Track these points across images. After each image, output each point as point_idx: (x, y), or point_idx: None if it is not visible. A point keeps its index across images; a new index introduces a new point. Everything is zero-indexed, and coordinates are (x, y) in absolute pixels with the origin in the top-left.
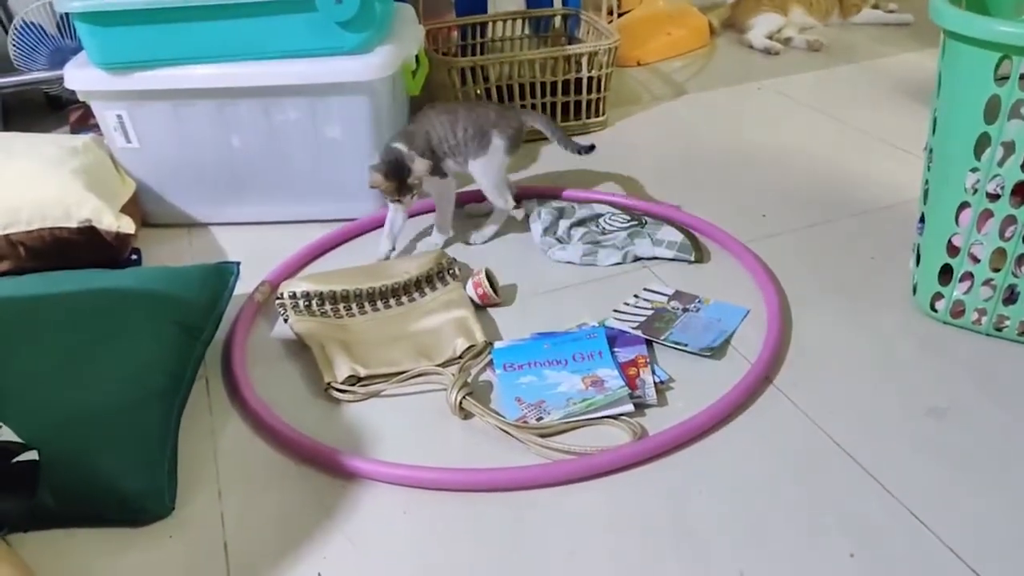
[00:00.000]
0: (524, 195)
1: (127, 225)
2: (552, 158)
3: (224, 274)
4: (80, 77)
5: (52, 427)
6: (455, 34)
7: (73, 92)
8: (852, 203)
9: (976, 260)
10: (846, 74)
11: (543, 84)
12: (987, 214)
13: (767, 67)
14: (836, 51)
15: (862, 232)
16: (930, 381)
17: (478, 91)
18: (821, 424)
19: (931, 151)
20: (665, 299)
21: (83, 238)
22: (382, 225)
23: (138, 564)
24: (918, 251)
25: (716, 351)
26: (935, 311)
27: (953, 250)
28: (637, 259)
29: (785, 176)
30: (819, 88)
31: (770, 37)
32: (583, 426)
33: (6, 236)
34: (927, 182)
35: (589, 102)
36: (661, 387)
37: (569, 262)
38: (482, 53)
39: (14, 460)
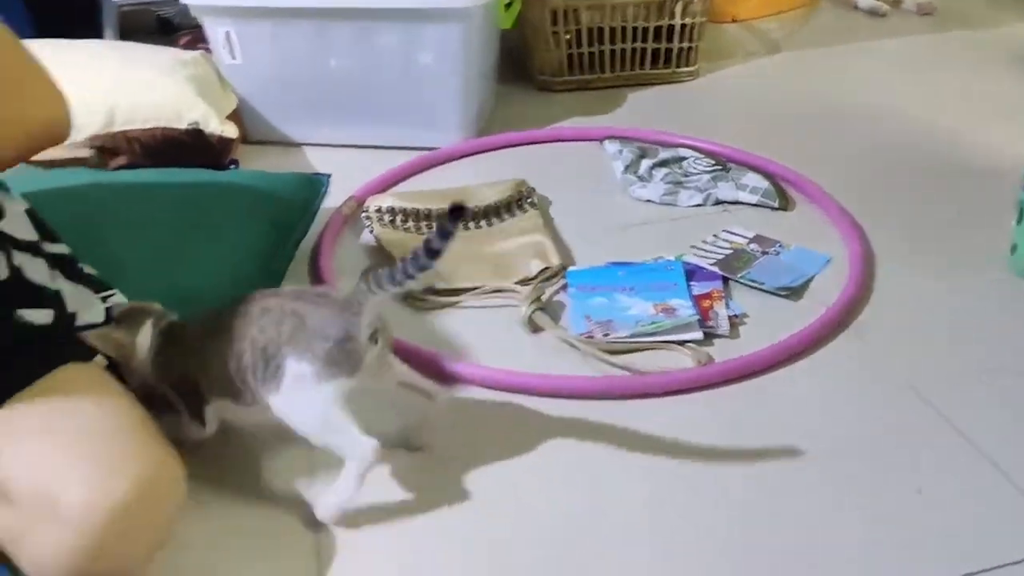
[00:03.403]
0: (608, 135)
1: (231, 130)
2: (638, 101)
3: (316, 184)
4: None
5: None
6: None
7: (183, 17)
8: (952, 164)
9: None
10: (956, 40)
11: (635, 29)
12: None
13: (872, 29)
14: (948, 16)
15: (961, 193)
16: (1018, 342)
17: (568, 34)
18: (895, 371)
19: None
20: (745, 241)
21: (190, 139)
22: (465, 155)
23: None
24: (1021, 209)
25: (794, 291)
26: None
27: None
28: (719, 202)
29: (879, 135)
30: (924, 53)
31: None
32: (649, 348)
33: (124, 133)
34: None
35: (680, 51)
36: (735, 320)
37: (649, 200)
38: None
39: None
